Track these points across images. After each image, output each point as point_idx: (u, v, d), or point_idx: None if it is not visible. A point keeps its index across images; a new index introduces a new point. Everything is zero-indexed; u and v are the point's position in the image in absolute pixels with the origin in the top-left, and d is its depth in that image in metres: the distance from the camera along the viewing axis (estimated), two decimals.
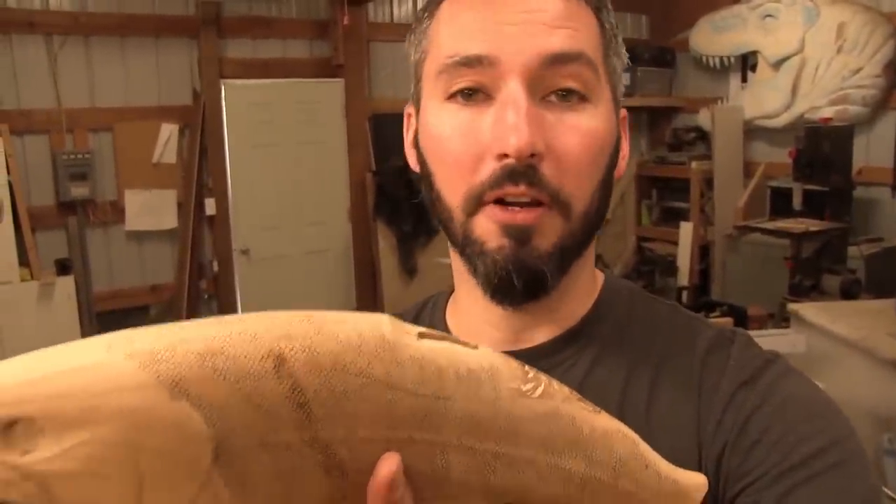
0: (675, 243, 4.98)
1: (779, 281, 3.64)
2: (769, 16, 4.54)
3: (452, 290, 0.65)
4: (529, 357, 0.42)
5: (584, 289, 0.61)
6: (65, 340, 0.35)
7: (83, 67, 3.91)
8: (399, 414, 0.36)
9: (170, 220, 4.19)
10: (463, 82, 0.53)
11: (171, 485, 0.33)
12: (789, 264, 3.65)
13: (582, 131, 0.53)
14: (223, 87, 4.23)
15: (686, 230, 4.89)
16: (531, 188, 0.51)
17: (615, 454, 0.41)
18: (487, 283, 0.54)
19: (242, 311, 3.89)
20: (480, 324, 0.60)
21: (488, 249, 0.53)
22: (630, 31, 5.47)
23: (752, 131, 4.75)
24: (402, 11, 4.74)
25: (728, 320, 3.06)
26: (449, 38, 0.54)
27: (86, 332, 3.69)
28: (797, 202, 3.93)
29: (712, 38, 4.90)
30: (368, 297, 4.70)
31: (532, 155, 0.50)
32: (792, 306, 2.84)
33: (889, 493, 1.83)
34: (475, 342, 0.40)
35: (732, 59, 4.84)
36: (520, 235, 0.52)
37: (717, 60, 4.90)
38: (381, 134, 4.58)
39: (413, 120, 0.61)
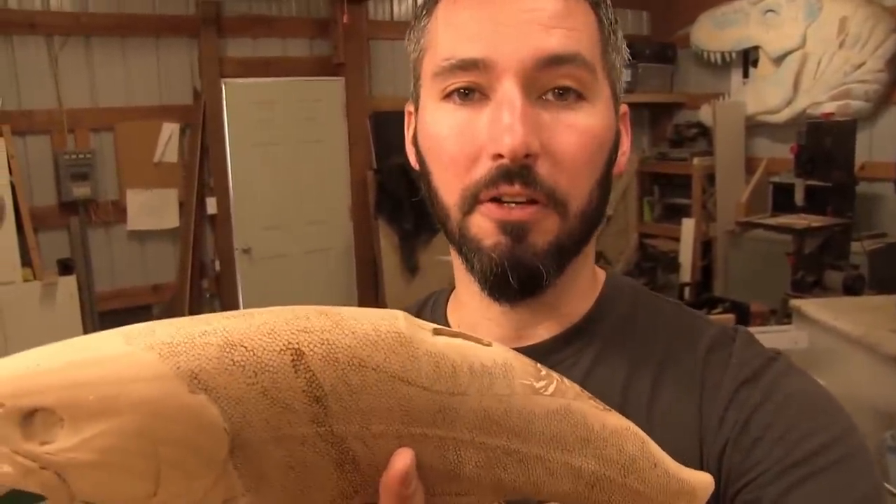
0: (677, 240, 4.97)
1: (781, 277, 3.63)
2: (770, 11, 4.53)
3: (453, 288, 0.65)
4: (530, 354, 0.42)
5: (584, 286, 0.61)
6: None
7: (84, 67, 3.91)
8: (414, 409, 0.36)
9: (171, 220, 4.19)
10: (459, 83, 0.53)
11: (188, 476, 0.33)
12: (791, 260, 3.64)
13: (579, 130, 0.53)
14: (224, 87, 4.23)
15: (688, 226, 4.89)
16: (526, 188, 0.51)
17: (624, 452, 0.41)
18: (484, 279, 0.54)
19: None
20: (481, 320, 0.60)
21: (484, 246, 0.53)
22: (631, 28, 5.45)
23: (753, 127, 4.73)
24: (402, 9, 4.73)
25: (730, 317, 3.06)
26: (446, 38, 0.54)
27: (88, 332, 3.64)
28: (799, 198, 3.92)
29: (713, 33, 4.88)
30: (370, 296, 4.70)
31: (527, 155, 0.51)
32: (794, 302, 2.83)
33: (892, 489, 1.83)
34: (488, 339, 0.40)
35: (734, 55, 4.82)
36: (515, 232, 0.52)
37: (718, 56, 4.88)
38: (382, 132, 4.58)
39: (413, 118, 0.61)
